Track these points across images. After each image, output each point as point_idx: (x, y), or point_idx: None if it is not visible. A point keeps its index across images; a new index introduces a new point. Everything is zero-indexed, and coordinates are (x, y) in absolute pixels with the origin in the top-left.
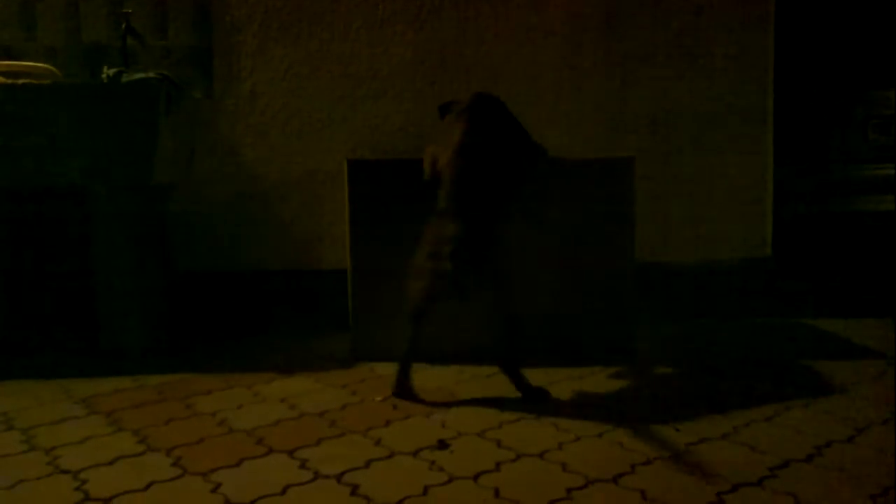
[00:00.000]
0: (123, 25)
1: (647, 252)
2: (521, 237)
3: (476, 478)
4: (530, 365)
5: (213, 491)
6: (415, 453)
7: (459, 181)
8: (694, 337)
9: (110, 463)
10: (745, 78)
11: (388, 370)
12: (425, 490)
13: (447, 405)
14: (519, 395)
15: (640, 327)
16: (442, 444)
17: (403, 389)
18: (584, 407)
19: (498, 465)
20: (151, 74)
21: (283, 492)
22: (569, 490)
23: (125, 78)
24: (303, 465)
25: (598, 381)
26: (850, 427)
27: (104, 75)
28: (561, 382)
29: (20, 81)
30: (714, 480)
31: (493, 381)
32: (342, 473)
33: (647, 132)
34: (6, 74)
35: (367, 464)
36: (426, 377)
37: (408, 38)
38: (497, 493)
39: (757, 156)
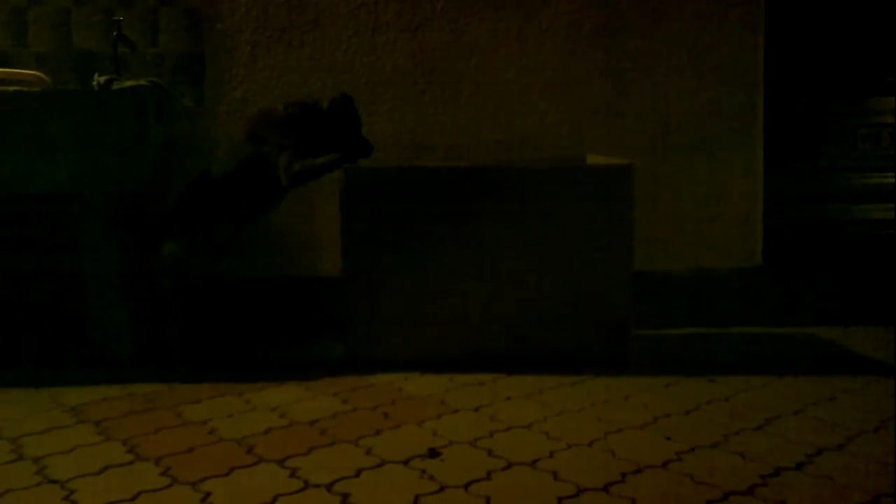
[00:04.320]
0: (115, 33)
1: (639, 260)
2: (516, 243)
3: (467, 487)
4: (522, 372)
5: (203, 501)
6: (406, 462)
7: None
8: (685, 345)
9: (99, 472)
10: (735, 87)
11: (380, 378)
12: (416, 499)
13: (438, 414)
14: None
15: (632, 335)
16: (433, 453)
17: None
18: (575, 415)
19: (489, 473)
20: (142, 82)
21: (273, 501)
22: (560, 499)
23: (116, 85)
24: (293, 474)
25: (590, 388)
26: (841, 435)
27: (95, 83)
28: (553, 390)
29: (11, 89)
30: (705, 489)
31: (484, 389)
32: (332, 483)
33: (638, 140)
34: None
35: (358, 473)
36: (416, 385)
37: (399, 46)
38: (488, 502)
39: (747, 164)
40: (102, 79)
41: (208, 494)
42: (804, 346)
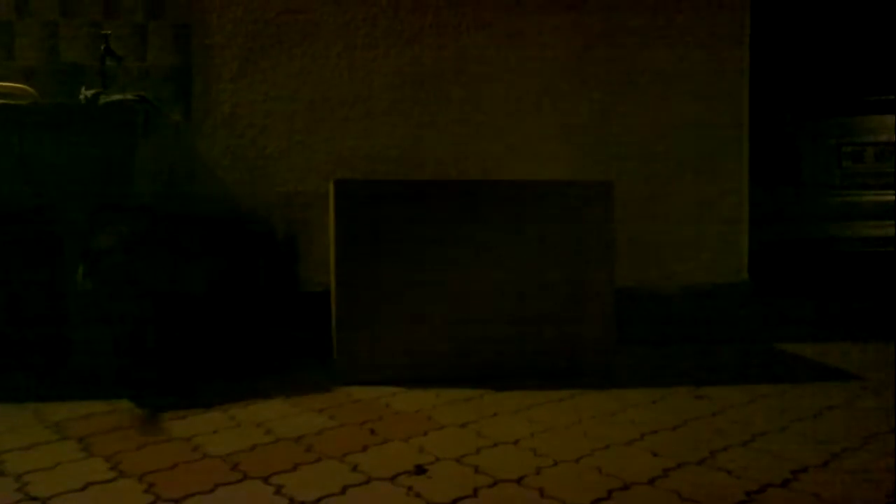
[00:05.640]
0: (102, 46)
1: (624, 277)
2: (500, 260)
3: (454, 503)
4: (508, 388)
5: None
6: (392, 479)
7: None
8: (672, 361)
9: (81, 489)
10: (720, 105)
11: (367, 394)
12: None
13: (425, 430)
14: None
15: (618, 352)
16: (419, 470)
17: None
18: (562, 431)
19: (476, 490)
20: (130, 96)
21: None
22: None
23: (103, 99)
24: (278, 492)
25: (577, 404)
26: (827, 452)
27: (82, 96)
28: (540, 406)
29: None
30: None
31: (471, 406)
32: (318, 499)
33: (624, 157)
34: None
35: (344, 490)
36: (403, 401)
37: (388, 61)
38: None
39: (732, 182)
40: (90, 92)
41: None
42: (789, 361)
